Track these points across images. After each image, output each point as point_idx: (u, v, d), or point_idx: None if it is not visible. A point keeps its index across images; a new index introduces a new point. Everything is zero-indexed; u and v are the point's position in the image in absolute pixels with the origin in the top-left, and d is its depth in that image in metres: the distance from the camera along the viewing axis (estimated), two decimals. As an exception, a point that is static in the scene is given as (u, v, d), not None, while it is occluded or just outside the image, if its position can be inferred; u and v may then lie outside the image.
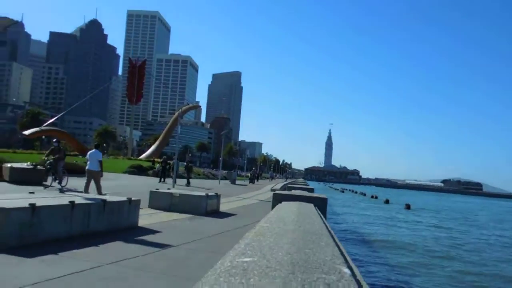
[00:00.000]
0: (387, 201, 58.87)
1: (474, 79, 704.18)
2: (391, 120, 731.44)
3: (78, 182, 20.75)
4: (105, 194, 12.14)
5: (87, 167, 13.63)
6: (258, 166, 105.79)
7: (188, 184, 26.37)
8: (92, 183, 13.41)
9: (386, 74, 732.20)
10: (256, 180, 50.46)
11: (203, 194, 12.17)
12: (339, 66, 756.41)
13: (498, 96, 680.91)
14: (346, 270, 2.85)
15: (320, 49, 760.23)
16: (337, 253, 3.65)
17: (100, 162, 13.62)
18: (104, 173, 14.39)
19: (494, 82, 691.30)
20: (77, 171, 25.87)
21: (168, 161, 31.04)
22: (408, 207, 49.27)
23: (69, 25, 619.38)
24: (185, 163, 30.30)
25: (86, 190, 13.14)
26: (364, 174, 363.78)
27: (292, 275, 2.52)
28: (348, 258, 3.79)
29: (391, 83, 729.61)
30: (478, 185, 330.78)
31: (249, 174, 51.73)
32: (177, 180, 26.36)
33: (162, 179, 28.29)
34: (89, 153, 14.02)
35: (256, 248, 3.46)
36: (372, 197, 70.27)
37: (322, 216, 9.34)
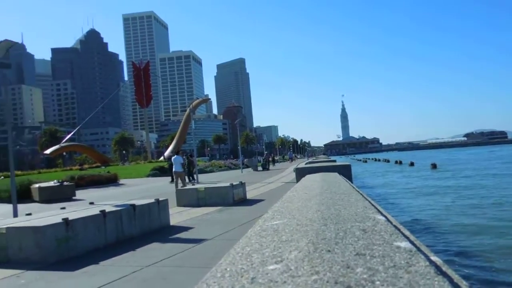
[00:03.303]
0: (412, 164, 58.20)
1: (483, 31, 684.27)
2: (405, 82, 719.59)
3: (102, 193, 21.10)
4: None
5: (173, 169, 17.86)
6: (276, 149, 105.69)
7: (190, 181, 24.00)
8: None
9: (393, 36, 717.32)
10: (272, 165, 47.02)
11: (228, 184, 12.22)
12: (342, 36, 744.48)
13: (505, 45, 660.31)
14: (381, 217, 2.79)
15: (321, 20, 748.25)
16: (369, 205, 3.58)
17: (183, 164, 18.14)
18: (128, 180, 14.95)
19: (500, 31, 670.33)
20: (103, 182, 26.17)
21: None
22: (434, 166, 48.62)
23: (68, 39, 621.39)
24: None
25: (176, 186, 16.28)
26: (384, 140, 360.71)
27: (324, 226, 2.48)
28: (381, 209, 3.70)
29: (400, 45, 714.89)
30: (503, 134, 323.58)
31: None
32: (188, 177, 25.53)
33: (172, 179, 25.03)
34: (173, 158, 18.37)
35: (284, 212, 3.43)
36: (396, 162, 69.45)
37: (348, 181, 9.23)
